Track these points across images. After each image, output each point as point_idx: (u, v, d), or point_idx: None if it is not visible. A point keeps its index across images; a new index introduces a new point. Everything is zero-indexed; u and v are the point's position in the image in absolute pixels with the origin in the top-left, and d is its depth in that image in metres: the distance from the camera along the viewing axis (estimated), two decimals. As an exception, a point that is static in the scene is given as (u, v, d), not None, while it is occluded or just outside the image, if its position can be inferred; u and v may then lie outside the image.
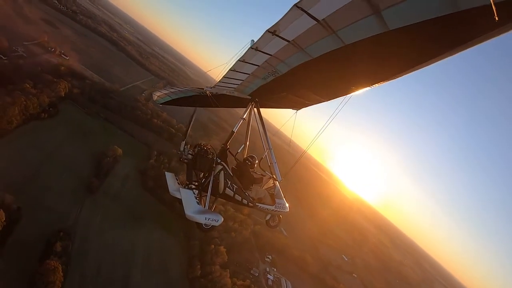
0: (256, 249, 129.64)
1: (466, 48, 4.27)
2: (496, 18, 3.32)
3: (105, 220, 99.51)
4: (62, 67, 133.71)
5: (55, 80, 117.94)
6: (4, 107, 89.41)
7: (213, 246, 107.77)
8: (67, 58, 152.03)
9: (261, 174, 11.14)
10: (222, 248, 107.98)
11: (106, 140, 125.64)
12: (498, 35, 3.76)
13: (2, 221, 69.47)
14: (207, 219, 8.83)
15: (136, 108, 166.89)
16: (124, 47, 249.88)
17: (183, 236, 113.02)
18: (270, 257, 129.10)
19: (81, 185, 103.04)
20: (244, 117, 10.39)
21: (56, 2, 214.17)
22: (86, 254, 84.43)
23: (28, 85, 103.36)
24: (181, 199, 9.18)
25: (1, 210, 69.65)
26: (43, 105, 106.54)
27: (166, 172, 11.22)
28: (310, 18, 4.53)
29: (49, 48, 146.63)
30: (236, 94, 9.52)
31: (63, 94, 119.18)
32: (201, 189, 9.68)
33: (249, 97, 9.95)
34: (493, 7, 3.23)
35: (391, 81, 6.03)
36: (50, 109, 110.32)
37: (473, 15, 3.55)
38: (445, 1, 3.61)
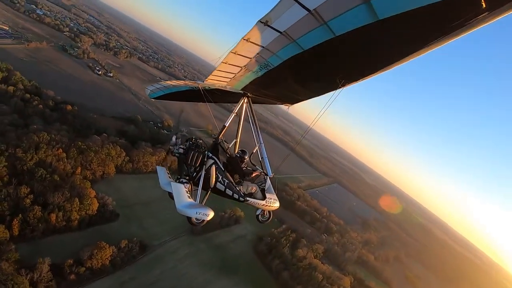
0: None
1: (456, 37, 4.96)
2: (483, 5, 3.94)
3: (191, 256, 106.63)
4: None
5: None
6: (144, 154, 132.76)
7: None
8: (228, 144, 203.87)
9: (252, 169, 12.48)
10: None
11: (238, 206, 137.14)
12: (487, 22, 4.40)
13: (94, 209, 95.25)
14: (197, 213, 10.00)
15: (282, 190, 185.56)
16: (294, 149, 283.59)
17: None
18: None
19: (186, 225, 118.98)
20: (235, 111, 11.93)
21: (230, 104, 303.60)
22: (151, 268, 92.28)
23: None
24: (172, 193, 10.54)
25: (96, 201, 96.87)
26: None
27: (157, 166, 12.75)
28: (301, 7, 5.20)
29: (212, 135, 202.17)
30: (228, 88, 10.93)
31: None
32: (192, 183, 10.93)
33: (241, 91, 11.37)
34: None
35: (380, 74, 7.04)
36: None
37: (462, 2, 4.17)
38: None
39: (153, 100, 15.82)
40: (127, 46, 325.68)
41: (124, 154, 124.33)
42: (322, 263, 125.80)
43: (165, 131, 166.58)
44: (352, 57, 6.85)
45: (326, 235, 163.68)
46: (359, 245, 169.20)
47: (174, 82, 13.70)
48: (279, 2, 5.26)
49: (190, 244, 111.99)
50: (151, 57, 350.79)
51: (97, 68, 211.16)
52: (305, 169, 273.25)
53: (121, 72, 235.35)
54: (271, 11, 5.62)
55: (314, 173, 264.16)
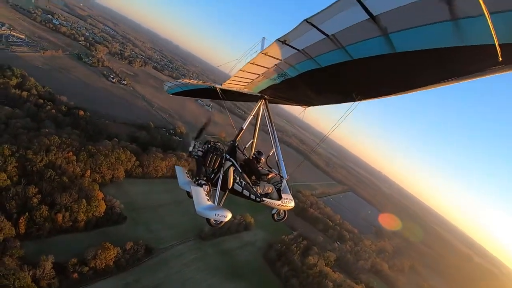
0: None
1: (469, 79, 5.28)
2: (500, 59, 4.08)
3: (198, 261, 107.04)
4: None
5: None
6: (154, 159, 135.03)
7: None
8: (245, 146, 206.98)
9: (268, 170, 13.19)
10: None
11: (249, 212, 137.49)
12: (502, 72, 4.60)
13: (101, 211, 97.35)
14: (216, 215, 10.41)
15: (294, 197, 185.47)
16: (309, 156, 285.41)
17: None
18: None
19: (195, 230, 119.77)
20: (253, 113, 12.74)
21: (244, 113, 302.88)
22: (156, 271, 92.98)
23: (184, 154, 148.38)
24: (190, 192, 11.31)
25: (104, 203, 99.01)
26: (193, 169, 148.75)
27: (176, 166, 13.78)
28: (319, 32, 5.46)
29: (226, 142, 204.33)
30: (245, 91, 11.66)
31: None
32: (211, 185, 11.58)
33: (258, 94, 12.17)
34: (498, 48, 3.89)
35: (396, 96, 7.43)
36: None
37: (479, 51, 4.25)
38: (453, 34, 4.22)
39: (171, 95, 16.71)
40: (142, 55, 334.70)
41: (134, 158, 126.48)
42: (333, 271, 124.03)
43: (177, 138, 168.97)
44: (369, 78, 7.18)
45: (338, 243, 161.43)
46: (372, 254, 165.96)
47: (192, 81, 14.58)
48: (297, 26, 5.42)
49: (197, 249, 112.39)
50: (165, 66, 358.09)
51: (111, 76, 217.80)
52: (320, 177, 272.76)
53: (135, 80, 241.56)
54: (289, 33, 5.81)
55: (329, 181, 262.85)
